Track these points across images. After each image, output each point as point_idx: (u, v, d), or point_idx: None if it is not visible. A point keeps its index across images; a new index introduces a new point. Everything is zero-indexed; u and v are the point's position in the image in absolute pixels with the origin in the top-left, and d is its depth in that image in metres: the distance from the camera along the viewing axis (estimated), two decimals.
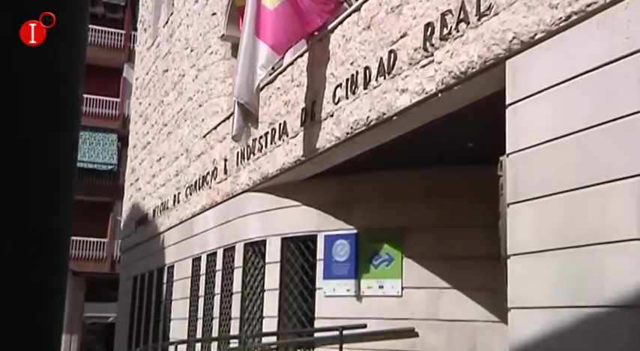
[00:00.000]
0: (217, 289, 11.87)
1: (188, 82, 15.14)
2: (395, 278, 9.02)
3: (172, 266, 14.77)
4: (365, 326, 8.76)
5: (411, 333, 8.73)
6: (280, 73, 9.80)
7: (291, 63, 9.45)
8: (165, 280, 15.20)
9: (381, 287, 9.09)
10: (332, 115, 8.15)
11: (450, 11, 6.07)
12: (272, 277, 10.14)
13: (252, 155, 10.65)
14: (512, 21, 5.25)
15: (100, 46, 29.86)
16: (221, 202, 12.08)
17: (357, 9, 7.81)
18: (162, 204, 16.14)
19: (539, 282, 4.70)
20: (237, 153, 11.32)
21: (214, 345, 11.80)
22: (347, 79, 7.85)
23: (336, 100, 8.07)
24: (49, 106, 1.33)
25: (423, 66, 6.45)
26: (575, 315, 4.38)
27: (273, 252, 10.22)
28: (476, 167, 7.87)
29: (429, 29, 6.35)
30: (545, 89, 4.85)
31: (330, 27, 8.44)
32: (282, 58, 9.17)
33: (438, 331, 8.70)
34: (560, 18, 4.78)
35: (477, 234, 8.44)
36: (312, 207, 9.84)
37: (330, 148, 8.25)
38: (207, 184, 12.85)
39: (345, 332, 8.52)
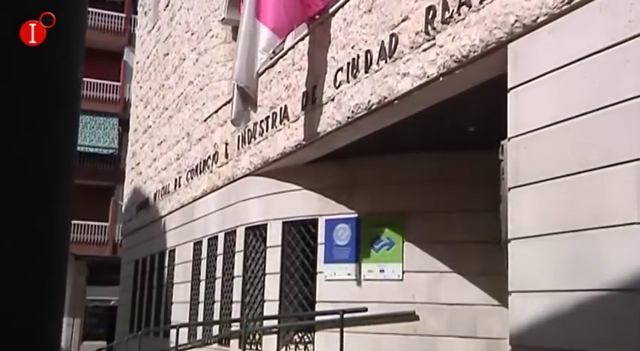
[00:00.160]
0: (218, 272, 11.90)
1: (189, 66, 15.10)
2: (396, 262, 9.04)
3: (174, 250, 14.81)
4: (366, 310, 8.79)
5: (411, 316, 8.77)
6: (281, 57, 9.77)
7: (292, 47, 9.41)
8: (166, 264, 15.24)
9: (381, 271, 9.11)
10: (333, 99, 8.13)
11: None
12: (273, 260, 10.17)
13: (253, 139, 10.64)
14: (515, 4, 5.22)
15: (101, 29, 29.75)
16: (222, 186, 12.08)
17: None
18: (163, 188, 16.15)
19: (540, 266, 4.71)
20: (238, 137, 11.31)
21: (216, 328, 11.86)
22: (348, 63, 7.83)
23: (337, 84, 8.05)
24: (48, 107, 1.33)
25: (425, 50, 6.43)
26: (575, 298, 4.39)
27: (274, 236, 10.24)
28: (477, 151, 7.87)
29: (431, 12, 6.32)
30: (547, 73, 4.83)
31: (331, 10, 8.40)
32: (283, 41, 9.13)
33: (438, 315, 8.74)
34: (563, 1, 4.75)
35: (477, 218, 8.45)
36: (313, 191, 9.84)
37: (331, 132, 8.24)
38: (208, 168, 12.85)
39: (345, 316, 8.56)
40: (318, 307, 9.50)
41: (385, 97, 7.07)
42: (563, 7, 4.76)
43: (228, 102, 11.14)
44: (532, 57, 5.05)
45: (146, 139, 18.81)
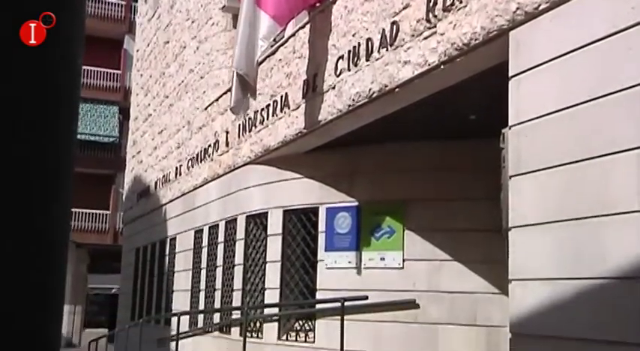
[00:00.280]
0: (219, 261, 11.92)
1: (189, 54, 15.07)
2: (396, 250, 9.05)
3: (174, 238, 14.83)
4: (366, 298, 8.81)
5: (412, 305, 8.79)
6: (282, 44, 9.75)
7: (293, 34, 9.39)
8: (167, 252, 15.27)
9: (382, 259, 9.13)
10: (334, 88, 8.11)
11: None
12: (274, 249, 10.18)
13: (253, 127, 10.63)
14: None
15: (101, 17, 29.69)
16: (223, 175, 12.08)
17: None
18: (163, 176, 16.15)
19: (541, 254, 4.71)
20: (239, 125, 11.30)
21: (217, 316, 11.89)
22: (349, 51, 7.81)
23: (337, 72, 8.03)
24: (48, 107, 1.33)
25: (426, 37, 6.41)
26: (576, 286, 4.40)
27: (274, 224, 10.25)
28: (478, 140, 7.86)
29: (432, 0, 6.29)
30: (549, 61, 4.81)
31: None
32: (284, 29, 9.10)
33: (439, 303, 8.76)
34: None
35: (478, 206, 8.46)
36: (313, 179, 9.84)
37: (332, 120, 8.23)
38: (209, 156, 12.84)
39: (346, 304, 8.58)
40: (318, 295, 9.53)
41: (386, 85, 7.05)
42: None
43: (229, 90, 11.11)
44: (534, 45, 5.03)
45: (147, 128, 18.80)
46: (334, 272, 9.42)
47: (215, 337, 11.64)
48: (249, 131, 10.80)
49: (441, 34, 6.17)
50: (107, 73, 30.66)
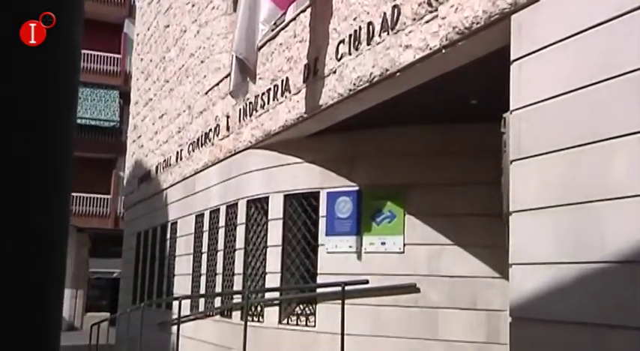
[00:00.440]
0: (220, 245, 11.95)
1: (189, 38, 15.02)
2: (397, 235, 9.06)
3: (175, 223, 14.86)
4: (367, 282, 8.84)
5: (412, 289, 8.81)
6: (282, 28, 9.71)
7: (294, 18, 9.35)
8: (168, 237, 15.30)
9: (383, 244, 9.14)
10: (335, 72, 8.09)
11: None
12: (275, 233, 10.20)
13: (254, 112, 10.61)
14: None
15: (101, 0, 29.57)
16: (223, 159, 12.08)
17: None
18: (164, 161, 16.15)
19: (541, 238, 4.72)
20: (240, 110, 11.29)
21: (218, 300, 11.93)
22: (350, 35, 7.78)
23: (338, 57, 8.01)
24: (48, 107, 1.33)
25: (427, 21, 6.38)
26: (577, 271, 4.41)
27: (275, 209, 10.26)
28: (479, 124, 7.86)
29: None
30: (551, 45, 4.80)
31: None
32: (285, 13, 9.07)
33: (439, 287, 8.78)
34: None
35: (479, 191, 8.46)
36: (314, 164, 9.84)
37: (333, 104, 8.21)
38: (210, 140, 12.84)
39: (347, 288, 8.60)
40: (319, 280, 9.55)
41: (387, 70, 7.03)
42: None
43: (229, 74, 11.09)
44: (536, 28, 5.01)
45: (147, 112, 18.78)
46: (335, 256, 9.44)
47: (216, 321, 11.70)
48: (250, 116, 10.79)
49: (443, 18, 6.15)
50: (107, 57, 30.59)
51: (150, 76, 18.89)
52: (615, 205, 4.18)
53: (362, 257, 9.25)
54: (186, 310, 12.65)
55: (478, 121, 7.87)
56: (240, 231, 11.09)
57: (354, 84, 7.63)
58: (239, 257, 11.04)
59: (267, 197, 10.47)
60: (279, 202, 10.22)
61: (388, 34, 7.02)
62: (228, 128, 11.90)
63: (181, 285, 13.82)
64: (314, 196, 9.84)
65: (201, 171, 13.35)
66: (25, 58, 1.29)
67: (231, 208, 11.62)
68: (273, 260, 10.15)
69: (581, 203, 4.42)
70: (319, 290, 9.54)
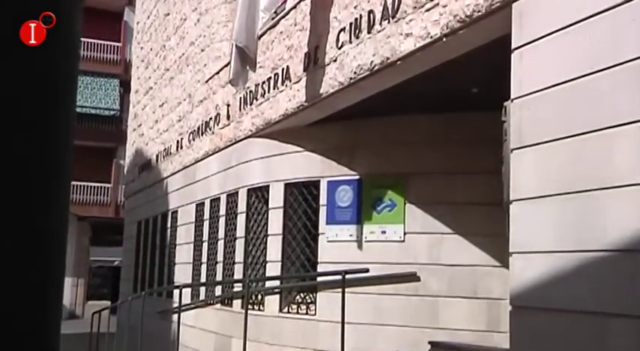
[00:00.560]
0: (221, 234, 11.96)
1: (190, 27, 14.98)
2: (397, 223, 9.07)
3: (176, 211, 14.87)
4: (367, 271, 8.85)
5: (412, 277, 8.83)
6: (283, 17, 9.68)
7: (294, 7, 9.32)
8: (169, 225, 15.32)
9: (383, 232, 9.15)
10: (335, 60, 8.07)
11: None
12: (275, 222, 10.21)
13: (254, 101, 10.60)
14: None
15: None
16: (224, 148, 12.08)
17: None
18: (165, 149, 16.15)
19: (542, 227, 4.72)
20: (240, 98, 11.27)
21: (218, 289, 11.96)
22: (350, 24, 7.75)
23: (339, 45, 7.99)
24: (48, 107, 1.33)
25: (428, 10, 6.36)
26: (577, 259, 4.41)
27: (276, 197, 10.27)
28: (480, 113, 7.84)
29: None
30: (552, 33, 4.78)
31: None
32: (285, 1, 9.04)
33: (439, 276, 8.79)
34: None
35: (479, 180, 8.46)
36: (315, 153, 9.84)
37: (334, 93, 8.20)
38: (210, 129, 12.83)
39: (347, 276, 8.61)
40: (319, 268, 9.57)
41: (388, 58, 7.01)
42: None
43: (230, 63, 11.07)
44: (537, 16, 4.99)
45: (147, 101, 18.75)
46: (335, 245, 9.45)
47: (217, 309, 11.73)
48: (250, 104, 10.77)
49: (444, 6, 6.13)
50: (107, 45, 30.52)
51: (150, 65, 18.85)
52: (616, 193, 4.18)
53: (362, 246, 9.26)
54: (186, 299, 12.68)
55: (479, 109, 7.86)
56: (241, 220, 11.10)
57: (355, 72, 7.61)
58: (239, 246, 11.05)
59: (268, 186, 10.47)
60: (279, 190, 10.23)
61: (389, 22, 7.00)
62: (228, 117, 11.88)
63: (182, 273, 13.85)
64: (314, 184, 9.84)
65: (201, 160, 13.35)
66: (25, 58, 1.29)
67: (232, 196, 11.63)
68: (274, 249, 10.16)
69: (581, 192, 4.42)
70: (320, 279, 9.56)
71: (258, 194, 10.81)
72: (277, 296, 10.05)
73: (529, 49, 4.99)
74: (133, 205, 19.45)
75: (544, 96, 4.80)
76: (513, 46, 5.14)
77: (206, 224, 12.81)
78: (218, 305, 11.74)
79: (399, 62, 6.90)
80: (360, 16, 7.55)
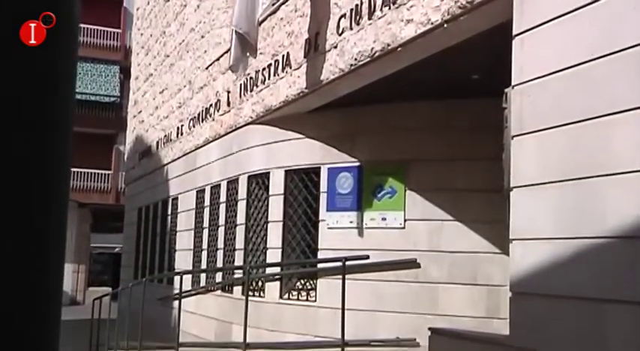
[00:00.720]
0: (221, 220, 11.98)
1: (190, 13, 14.93)
2: (398, 210, 9.08)
3: (176, 198, 14.88)
4: (367, 257, 8.87)
5: (413, 264, 8.85)
6: (283, 3, 9.64)
7: None
8: (169, 212, 15.34)
9: (383, 219, 9.16)
10: (336, 47, 8.05)
11: None
12: (275, 209, 10.22)
13: (255, 87, 10.58)
14: None
15: None
16: (224, 135, 12.07)
17: None
18: (165, 136, 16.14)
19: (542, 213, 4.73)
20: (240, 85, 11.25)
21: (219, 275, 11.99)
22: (351, 10, 7.73)
23: (339, 31, 7.96)
24: (48, 107, 1.33)
25: None
26: (577, 246, 4.42)
27: (276, 184, 10.27)
28: (480, 99, 7.83)
29: None
30: (553, 19, 4.76)
31: None
32: None
33: (439, 263, 8.81)
34: None
35: (480, 166, 8.46)
36: (315, 139, 9.83)
37: (334, 80, 8.18)
38: (211, 116, 12.81)
39: (347, 263, 8.63)
40: (320, 255, 9.59)
41: (388, 45, 6.99)
42: None
43: (230, 50, 11.04)
44: (538, 3, 4.97)
45: (148, 87, 18.72)
46: (336, 232, 9.47)
47: (217, 295, 11.76)
48: (251, 91, 10.75)
49: None
50: (107, 31, 30.42)
51: (150, 51, 18.80)
52: (615, 180, 4.18)
53: (363, 233, 9.27)
54: (187, 285, 12.71)
55: (480, 96, 7.84)
56: (241, 206, 11.11)
57: (355, 59, 7.59)
58: (240, 233, 11.07)
59: (268, 173, 10.47)
60: (280, 177, 10.23)
61: (389, 8, 6.97)
62: (228, 103, 11.87)
63: (182, 260, 13.88)
64: (315, 171, 9.84)
65: (202, 146, 13.34)
66: (25, 58, 1.29)
67: (232, 183, 11.64)
68: (274, 236, 10.18)
69: (581, 179, 4.42)
70: (320, 265, 9.58)
71: (259, 181, 10.82)
72: (278, 283, 10.08)
73: (530, 36, 4.98)
74: (134, 191, 19.46)
75: (545, 83, 4.79)
76: (514, 32, 5.13)
77: (206, 211, 12.83)
78: (219, 292, 11.77)
79: (399, 49, 6.88)
80: (361, 2, 7.52)
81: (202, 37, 13.85)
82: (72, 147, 1.41)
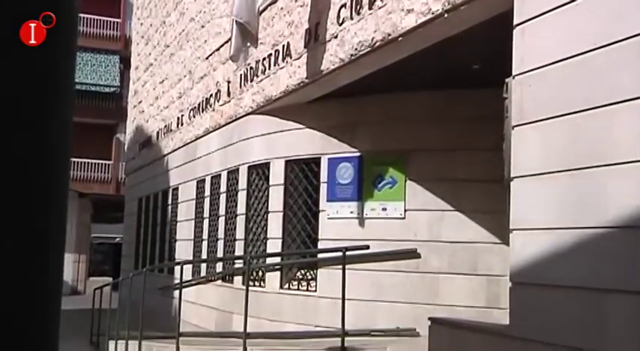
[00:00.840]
0: (222, 210, 11.99)
1: (190, 2, 14.88)
2: (398, 200, 9.08)
3: (177, 188, 14.89)
4: (368, 248, 8.87)
5: (413, 254, 8.86)
6: None
7: None
8: (170, 202, 15.34)
9: (384, 209, 9.17)
10: (336, 37, 8.03)
11: None
12: (276, 199, 10.22)
13: (255, 77, 10.56)
14: None
15: None
16: (224, 125, 12.06)
17: None
18: (165, 126, 16.13)
19: (542, 204, 4.73)
20: (240, 75, 11.23)
21: (219, 265, 12.01)
22: None
23: (340, 21, 7.94)
24: (47, 107, 1.33)
25: None
26: (577, 236, 4.42)
27: (276, 174, 10.27)
28: (481, 89, 7.81)
29: None
30: (554, 9, 4.74)
31: None
32: None
33: (439, 253, 8.82)
34: None
35: (480, 157, 8.45)
36: (315, 130, 9.82)
37: (334, 70, 8.17)
38: (211, 106, 12.80)
39: (348, 253, 8.63)
40: (320, 245, 9.60)
41: (389, 34, 6.97)
42: None
43: (230, 39, 11.01)
44: None
45: (148, 77, 18.69)
46: (336, 222, 9.47)
47: (218, 285, 11.78)
48: (251, 81, 10.74)
49: None
50: (107, 21, 30.34)
51: (150, 41, 18.76)
52: (616, 170, 4.18)
53: (363, 223, 9.28)
54: (187, 275, 12.73)
55: (480, 86, 7.82)
56: (242, 196, 11.12)
57: (356, 49, 7.57)
58: (240, 223, 11.08)
59: (269, 163, 10.47)
60: (280, 167, 10.23)
61: None
62: (229, 94, 11.85)
63: (183, 250, 13.90)
64: (315, 161, 9.84)
65: (202, 137, 13.34)
66: (25, 58, 1.29)
67: (233, 173, 11.63)
68: (275, 226, 10.19)
69: (582, 168, 4.41)
70: (320, 255, 9.59)
71: (259, 171, 10.82)
72: (278, 273, 10.09)
73: (531, 26, 4.96)
74: (134, 182, 19.46)
75: (546, 72, 4.78)
76: (515, 22, 5.11)
77: (207, 201, 12.83)
78: (219, 282, 11.79)
79: (400, 38, 6.86)
80: None
81: (202, 26, 13.81)
82: (71, 147, 1.41)
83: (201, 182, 13.29)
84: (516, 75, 5.06)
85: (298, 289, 9.86)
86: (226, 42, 11.75)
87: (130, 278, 13.15)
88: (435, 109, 9.02)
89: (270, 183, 10.39)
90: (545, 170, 4.70)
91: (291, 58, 9.27)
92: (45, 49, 1.29)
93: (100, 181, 29.91)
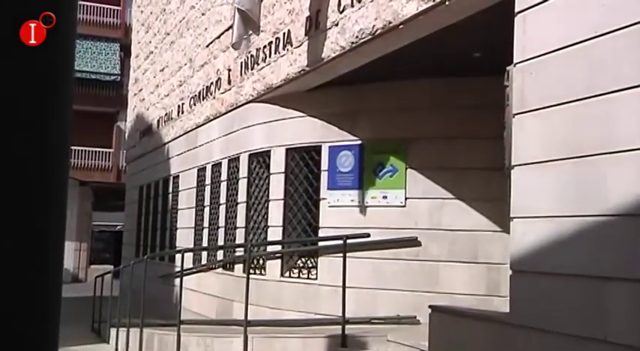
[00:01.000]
0: (222, 199, 12.00)
1: None
2: (399, 189, 9.08)
3: (178, 176, 14.90)
4: (368, 236, 8.90)
5: (413, 242, 8.87)
6: None
7: None
8: (170, 190, 15.35)
9: (384, 197, 9.17)
10: (337, 24, 8.00)
11: None
12: (276, 187, 10.23)
13: (255, 65, 10.54)
14: None
15: None
16: (225, 113, 12.05)
17: None
18: (166, 114, 16.12)
19: (543, 192, 4.72)
20: (241, 63, 11.21)
21: (220, 253, 12.02)
22: None
23: (341, 9, 7.91)
24: (47, 107, 1.33)
25: None
26: (578, 224, 4.42)
27: (277, 162, 10.27)
28: (482, 77, 7.80)
29: None
30: None
31: None
32: None
33: (440, 241, 8.83)
34: None
35: (481, 145, 8.45)
36: (316, 118, 9.81)
37: (335, 58, 8.15)
38: (211, 94, 12.78)
39: (348, 241, 8.65)
40: (321, 233, 9.61)
41: (390, 22, 6.95)
42: None
43: (231, 27, 10.98)
44: None
45: (148, 65, 18.65)
46: (336, 210, 9.48)
47: (219, 273, 11.81)
48: (252, 69, 10.72)
49: None
50: (107, 9, 30.26)
51: (150, 29, 18.71)
52: (617, 158, 4.18)
53: (364, 211, 9.28)
54: (188, 263, 12.76)
55: (481, 74, 7.81)
56: (242, 185, 11.12)
57: (357, 37, 7.55)
58: (241, 211, 11.09)
59: (269, 151, 10.47)
60: (280, 155, 10.23)
61: None
62: (229, 81, 11.83)
63: (184, 238, 13.92)
64: (316, 150, 9.84)
65: (202, 125, 13.33)
66: (25, 58, 1.29)
67: (233, 161, 11.64)
68: (275, 214, 10.20)
69: (583, 157, 4.41)
70: (321, 243, 9.61)
71: (260, 159, 10.81)
72: (279, 261, 10.12)
73: (532, 13, 4.94)
74: (135, 170, 19.47)
75: (547, 60, 4.77)
76: (516, 9, 5.09)
77: (207, 189, 12.84)
78: (220, 270, 11.82)
79: (401, 26, 6.84)
80: None
81: (203, 14, 13.77)
82: (71, 147, 1.41)
83: (201, 170, 13.29)
84: (517, 63, 5.05)
85: (299, 277, 9.89)
86: (227, 30, 11.73)
87: (131, 266, 13.18)
88: (435, 97, 9.01)
89: (271, 171, 10.39)
90: (546, 158, 4.70)
91: (291, 45, 9.25)
92: (45, 49, 1.29)
93: (100, 169, 29.93)
